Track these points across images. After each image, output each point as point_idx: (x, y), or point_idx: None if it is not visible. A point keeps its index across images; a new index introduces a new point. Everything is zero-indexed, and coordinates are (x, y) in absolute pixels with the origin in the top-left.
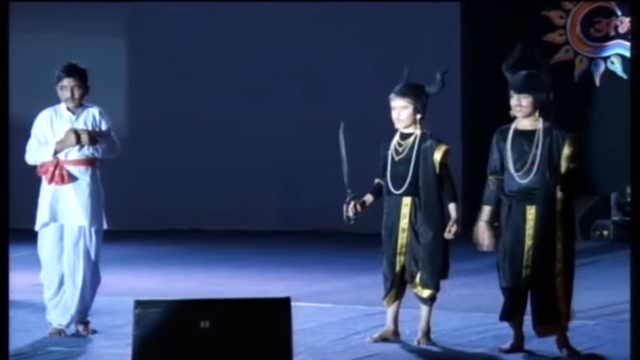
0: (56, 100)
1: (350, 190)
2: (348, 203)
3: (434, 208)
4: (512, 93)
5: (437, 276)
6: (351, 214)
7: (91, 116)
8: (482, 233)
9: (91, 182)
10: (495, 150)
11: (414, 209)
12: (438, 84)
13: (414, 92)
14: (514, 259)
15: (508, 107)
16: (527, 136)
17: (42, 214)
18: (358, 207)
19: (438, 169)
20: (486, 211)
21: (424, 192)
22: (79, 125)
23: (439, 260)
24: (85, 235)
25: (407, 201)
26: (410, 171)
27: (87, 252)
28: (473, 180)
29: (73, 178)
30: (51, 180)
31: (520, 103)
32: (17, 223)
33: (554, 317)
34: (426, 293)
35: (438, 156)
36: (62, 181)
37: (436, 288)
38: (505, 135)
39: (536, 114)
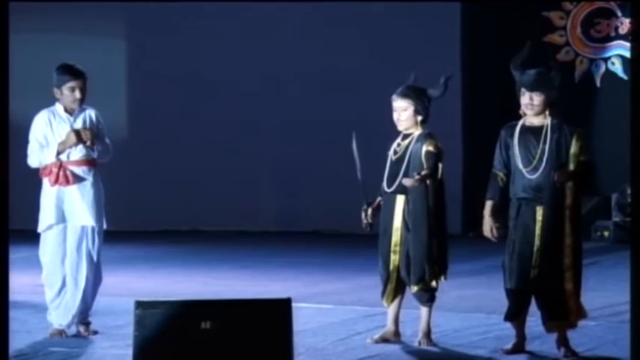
0: (54, 101)
1: (366, 197)
2: (366, 211)
3: (418, 206)
4: (523, 91)
5: (420, 270)
6: (370, 220)
7: (88, 117)
8: (487, 226)
9: (94, 182)
10: (501, 147)
11: (407, 208)
12: (441, 88)
13: (416, 94)
14: (522, 260)
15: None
16: (534, 132)
17: (47, 216)
18: (373, 213)
19: (424, 163)
20: (490, 205)
21: (410, 190)
22: (78, 126)
23: (425, 258)
24: (88, 236)
25: (400, 199)
26: (402, 170)
27: (89, 252)
28: (473, 180)
29: (77, 179)
30: (55, 181)
31: (532, 101)
32: (16, 224)
33: (563, 313)
34: (414, 289)
35: (424, 150)
36: (67, 182)
37: (423, 283)
38: (512, 131)
39: (547, 112)
